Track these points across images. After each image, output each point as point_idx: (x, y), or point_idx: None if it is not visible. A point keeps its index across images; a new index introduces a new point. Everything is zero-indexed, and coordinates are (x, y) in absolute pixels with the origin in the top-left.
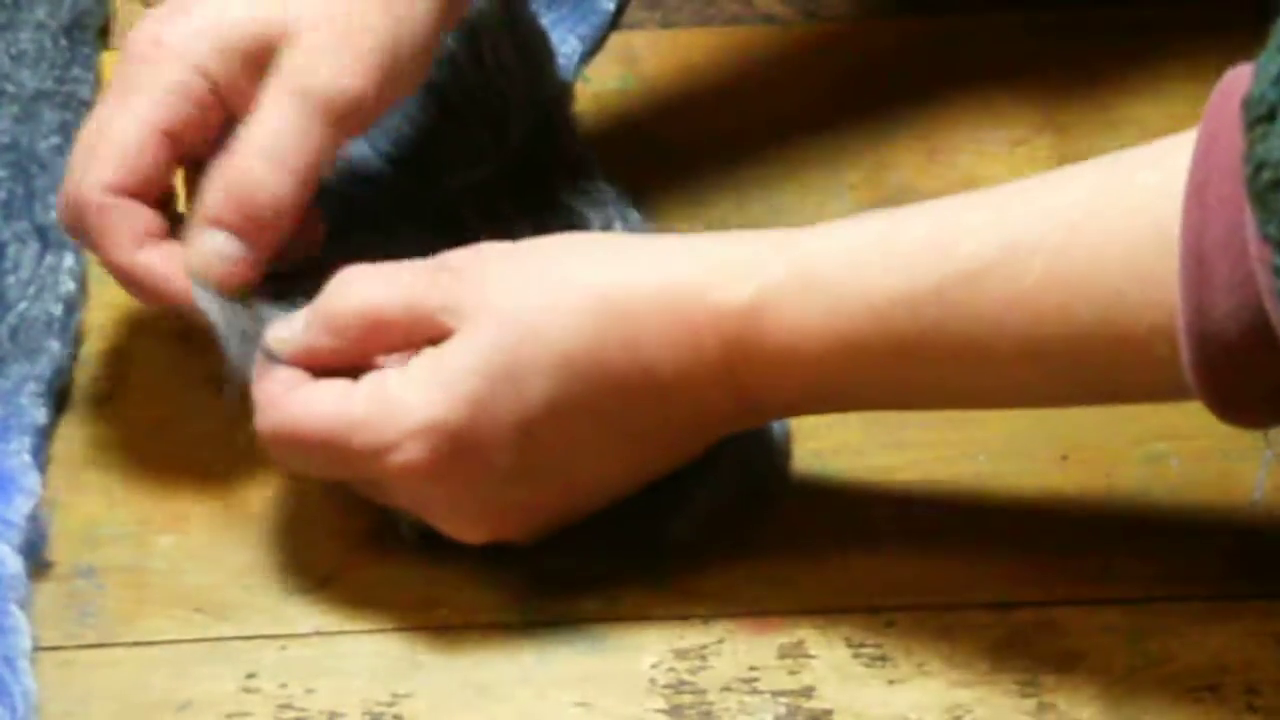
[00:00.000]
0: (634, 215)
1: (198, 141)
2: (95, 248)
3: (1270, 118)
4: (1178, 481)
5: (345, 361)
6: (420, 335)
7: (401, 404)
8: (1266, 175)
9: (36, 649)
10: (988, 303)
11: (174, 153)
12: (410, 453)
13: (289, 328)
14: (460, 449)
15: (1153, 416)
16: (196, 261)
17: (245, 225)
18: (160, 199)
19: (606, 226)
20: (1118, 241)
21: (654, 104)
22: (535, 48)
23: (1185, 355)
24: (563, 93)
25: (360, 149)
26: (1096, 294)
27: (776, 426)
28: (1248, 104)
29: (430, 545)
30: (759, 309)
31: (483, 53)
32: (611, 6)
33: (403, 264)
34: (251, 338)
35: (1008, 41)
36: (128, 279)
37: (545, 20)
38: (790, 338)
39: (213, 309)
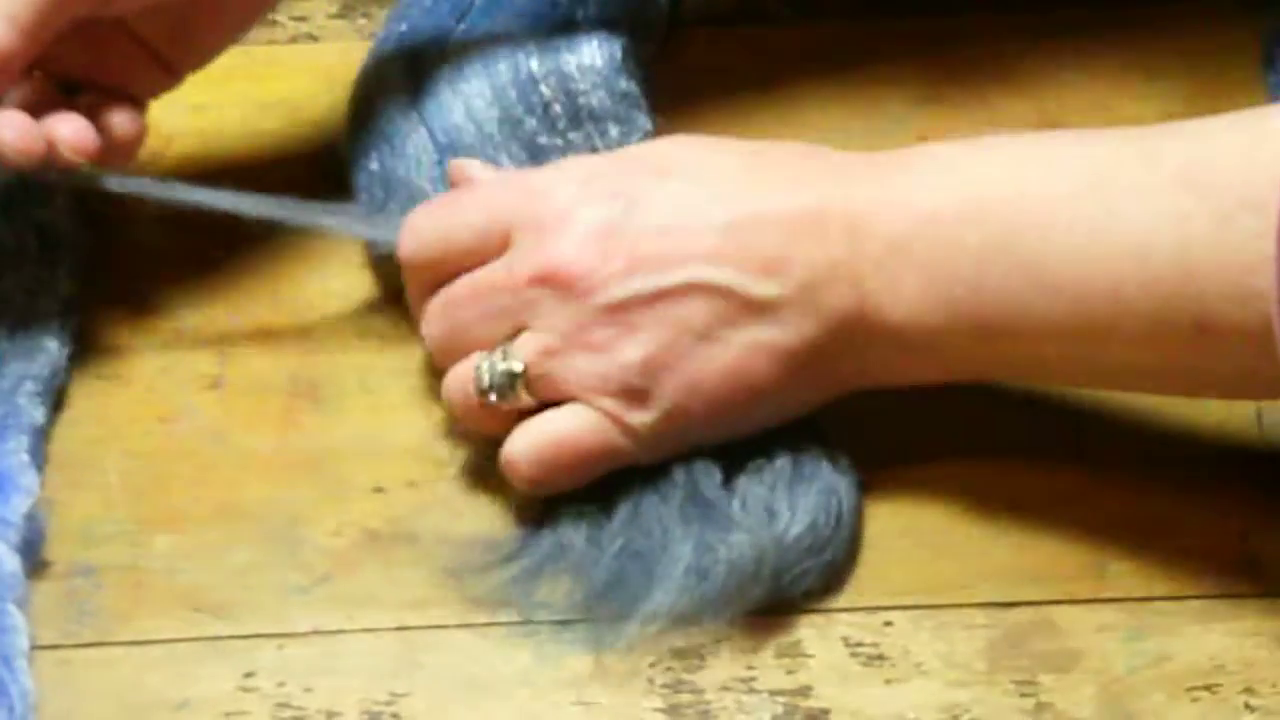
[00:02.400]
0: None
1: None
2: None
3: None
4: (1176, 480)
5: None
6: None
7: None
8: None
9: (34, 648)
10: (1076, 235)
11: None
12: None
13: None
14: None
15: (1150, 415)
16: None
17: None
18: None
19: None
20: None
21: (653, 104)
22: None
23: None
24: None
25: None
26: (1194, 288)
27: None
28: None
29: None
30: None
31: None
32: (664, 4)
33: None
34: None
35: (1008, 41)
36: None
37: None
38: (914, 200)
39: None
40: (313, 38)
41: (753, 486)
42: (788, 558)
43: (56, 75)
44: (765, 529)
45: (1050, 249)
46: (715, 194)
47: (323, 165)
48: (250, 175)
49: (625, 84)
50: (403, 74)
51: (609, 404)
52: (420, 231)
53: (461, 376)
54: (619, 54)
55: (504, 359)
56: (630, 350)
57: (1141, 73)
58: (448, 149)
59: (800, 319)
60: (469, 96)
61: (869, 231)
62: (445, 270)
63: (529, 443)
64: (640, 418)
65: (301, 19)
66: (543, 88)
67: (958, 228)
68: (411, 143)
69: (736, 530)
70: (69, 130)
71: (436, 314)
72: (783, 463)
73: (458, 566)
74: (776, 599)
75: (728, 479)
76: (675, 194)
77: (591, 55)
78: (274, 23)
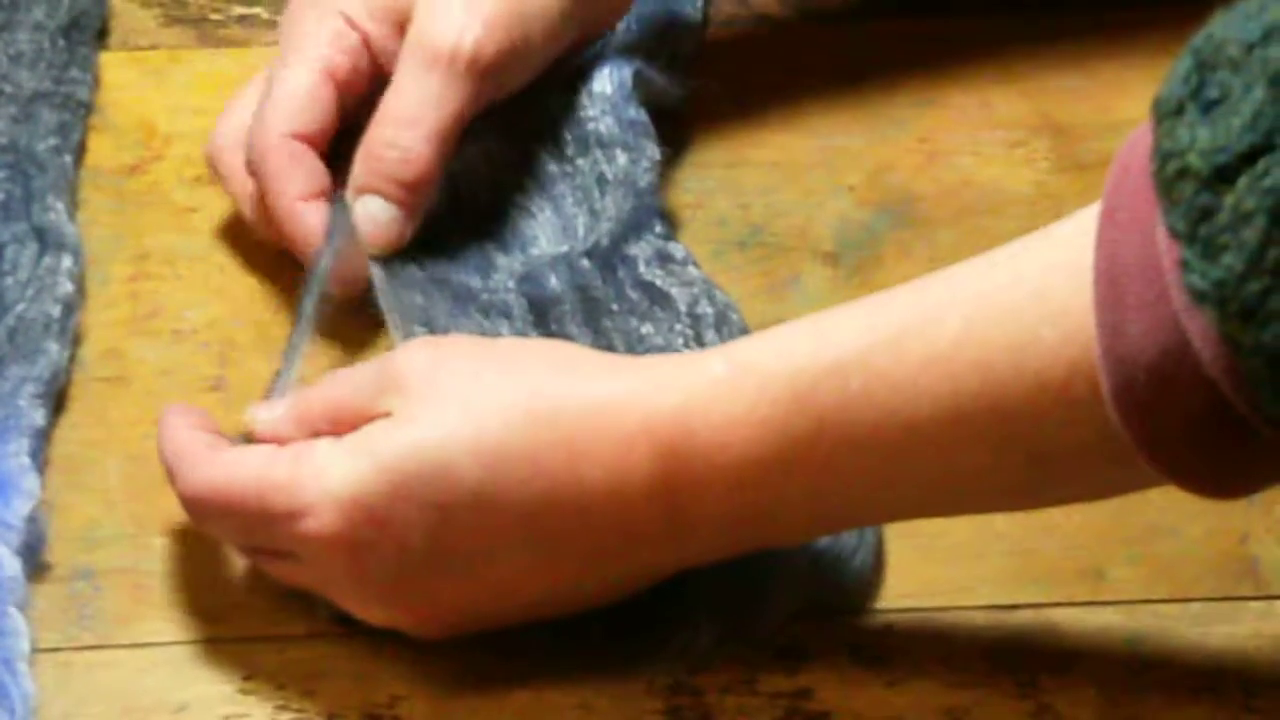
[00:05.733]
0: (721, 296)
1: (357, 92)
2: (268, 189)
3: (1178, 111)
4: None
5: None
6: (365, 419)
7: (324, 470)
8: (1172, 165)
9: (35, 651)
10: (909, 366)
11: (337, 98)
12: (324, 519)
13: (270, 409)
14: (375, 523)
15: None
16: (358, 229)
17: (392, 190)
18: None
19: (693, 304)
20: (1030, 283)
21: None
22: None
23: (1104, 384)
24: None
25: None
26: (1012, 340)
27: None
28: (1157, 104)
29: (343, 623)
30: (688, 407)
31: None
32: (699, 16)
33: (360, 364)
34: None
35: (1008, 42)
36: (286, 223)
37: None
38: (717, 431)
39: (377, 274)
40: None
41: None
42: (818, 567)
43: None
44: (795, 550)
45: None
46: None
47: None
48: None
49: (634, 112)
50: None
51: None
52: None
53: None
54: (630, 81)
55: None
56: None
57: (1142, 75)
58: (455, 175)
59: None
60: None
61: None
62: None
63: None
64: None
65: None
66: (552, 113)
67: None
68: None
69: (769, 555)
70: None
71: None
72: None
73: None
74: (810, 607)
75: None
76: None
77: (602, 82)
78: (275, 24)
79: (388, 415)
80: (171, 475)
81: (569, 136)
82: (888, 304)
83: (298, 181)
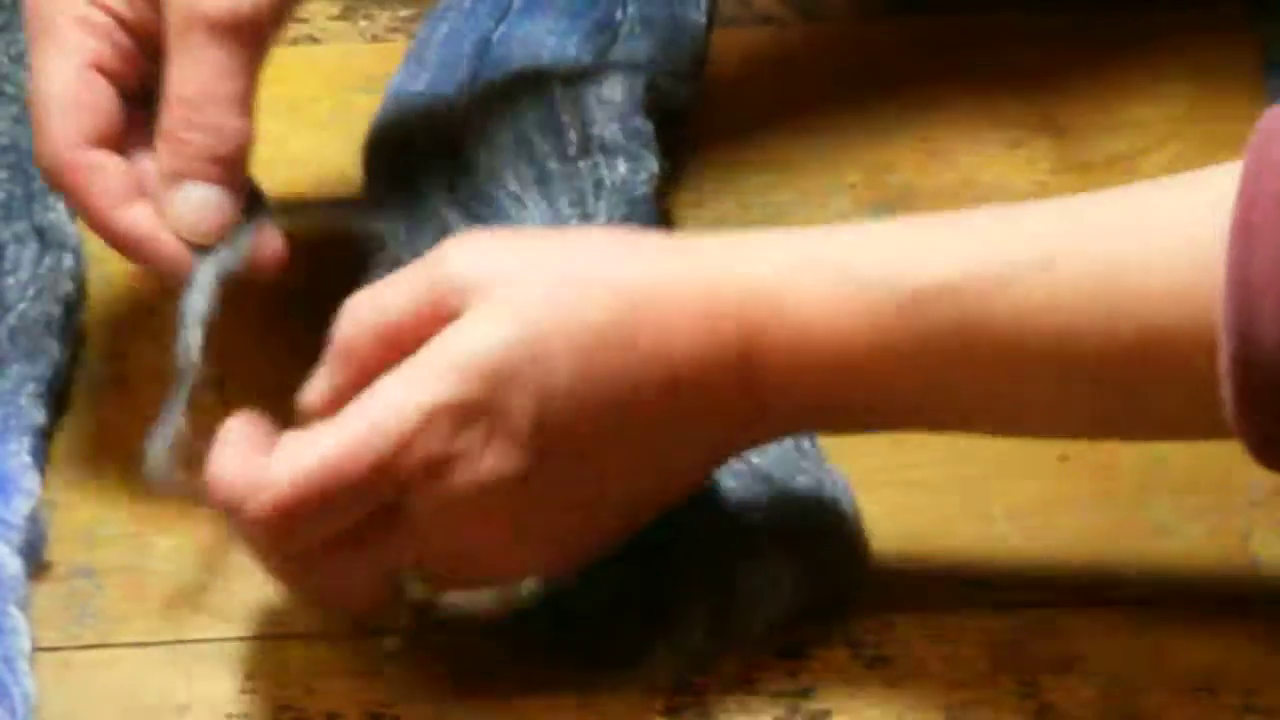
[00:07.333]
0: None
1: (130, 73)
2: (78, 206)
3: None
4: (1178, 482)
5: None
6: (431, 331)
7: (408, 390)
8: None
9: (36, 650)
10: (1022, 304)
11: (113, 89)
12: (430, 439)
13: (312, 387)
14: (477, 427)
15: None
16: (185, 220)
17: (211, 170)
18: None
19: None
20: (1160, 259)
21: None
22: None
23: (1228, 386)
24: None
25: None
26: (1136, 307)
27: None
28: None
29: (431, 618)
30: (781, 287)
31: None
32: (704, 20)
33: (385, 282)
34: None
35: (1008, 42)
36: (113, 240)
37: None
38: (810, 318)
39: (204, 266)
40: (314, 39)
41: (764, 509)
42: (811, 576)
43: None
44: (786, 550)
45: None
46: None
47: (325, 166)
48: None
49: (640, 122)
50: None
51: None
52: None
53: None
54: (640, 91)
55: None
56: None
57: (1144, 76)
58: (459, 167)
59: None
60: (488, 109)
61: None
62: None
63: None
64: None
65: (303, 20)
66: (561, 114)
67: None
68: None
69: (760, 555)
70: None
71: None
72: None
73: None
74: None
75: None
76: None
77: (612, 89)
78: None
79: (453, 318)
80: (239, 507)
81: (573, 137)
82: (997, 233)
83: (106, 194)
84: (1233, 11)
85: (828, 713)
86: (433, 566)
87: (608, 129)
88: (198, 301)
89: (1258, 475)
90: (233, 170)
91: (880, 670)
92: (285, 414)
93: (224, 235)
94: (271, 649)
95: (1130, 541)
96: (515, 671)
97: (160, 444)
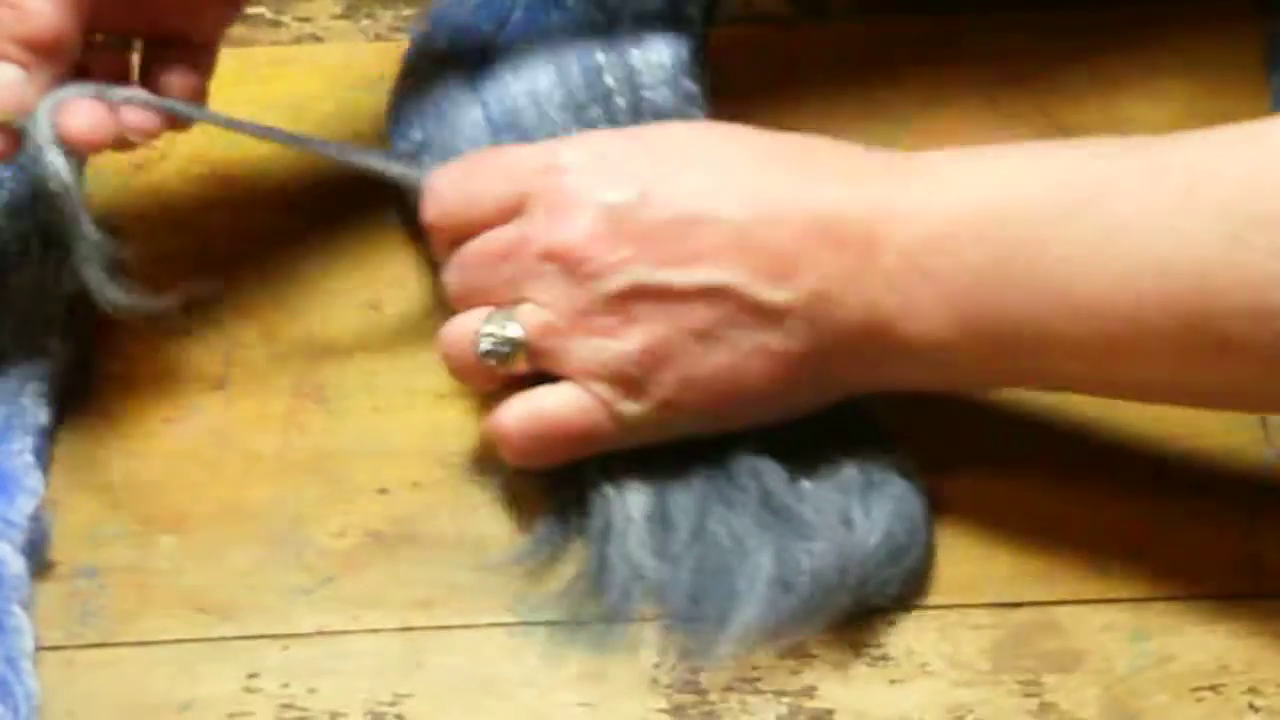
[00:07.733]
0: None
1: None
2: None
3: None
4: (1179, 481)
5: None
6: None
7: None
8: None
9: (39, 649)
10: (1092, 234)
11: None
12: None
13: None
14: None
15: (1154, 417)
16: None
17: (13, 51)
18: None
19: None
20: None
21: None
22: None
23: None
24: None
25: None
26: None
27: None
28: None
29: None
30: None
31: None
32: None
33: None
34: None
35: (1009, 41)
36: None
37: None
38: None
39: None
40: (317, 38)
41: (824, 493)
42: (869, 566)
43: (113, 31)
44: (844, 536)
45: (1064, 266)
46: (730, 189)
47: (326, 165)
48: (254, 175)
49: (689, 84)
50: (460, 53)
51: (602, 390)
52: (442, 196)
53: (461, 331)
54: (686, 54)
55: (505, 327)
56: (630, 340)
57: (1145, 73)
58: (504, 128)
59: (807, 328)
60: (534, 79)
61: (883, 243)
62: (465, 233)
63: (519, 417)
64: (631, 407)
65: (306, 19)
66: (608, 79)
67: (970, 242)
68: (465, 117)
69: (817, 538)
70: (137, 119)
71: (453, 271)
72: (851, 469)
73: (504, 564)
74: (860, 608)
75: (791, 483)
76: (691, 185)
77: (659, 53)
78: (278, 23)
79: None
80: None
81: (622, 103)
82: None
83: None
84: (1235, 8)
85: (831, 712)
86: None
87: (659, 93)
88: (43, 126)
89: (1259, 475)
90: (36, 54)
91: (882, 669)
92: (289, 414)
93: (23, 115)
94: (275, 647)
95: (1133, 540)
96: (519, 671)
97: (94, 268)
